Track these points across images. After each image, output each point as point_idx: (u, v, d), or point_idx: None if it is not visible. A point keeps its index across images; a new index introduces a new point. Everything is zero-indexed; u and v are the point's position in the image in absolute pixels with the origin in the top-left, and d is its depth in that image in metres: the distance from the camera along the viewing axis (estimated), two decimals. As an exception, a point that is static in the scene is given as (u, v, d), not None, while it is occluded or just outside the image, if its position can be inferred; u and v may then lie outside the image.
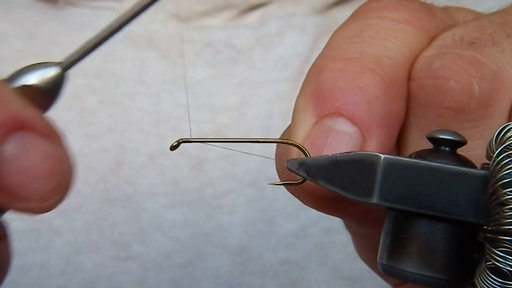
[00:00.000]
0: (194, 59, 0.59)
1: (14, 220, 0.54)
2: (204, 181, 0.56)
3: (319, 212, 0.57)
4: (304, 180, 0.35)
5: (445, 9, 0.40)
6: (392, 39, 0.36)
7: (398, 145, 0.37)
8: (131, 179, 0.56)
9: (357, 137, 0.34)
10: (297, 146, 0.35)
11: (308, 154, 0.35)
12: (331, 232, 0.56)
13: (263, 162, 0.56)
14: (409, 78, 0.36)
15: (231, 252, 0.55)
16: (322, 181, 0.34)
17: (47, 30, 0.62)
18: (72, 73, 0.59)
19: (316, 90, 0.35)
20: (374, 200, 0.33)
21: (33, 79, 0.29)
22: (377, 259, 0.35)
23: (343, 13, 0.60)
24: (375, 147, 0.34)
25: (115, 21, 0.31)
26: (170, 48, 0.59)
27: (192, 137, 0.36)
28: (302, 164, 0.34)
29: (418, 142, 0.36)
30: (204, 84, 0.58)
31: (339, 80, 0.35)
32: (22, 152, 0.28)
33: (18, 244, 0.54)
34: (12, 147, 0.28)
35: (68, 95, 0.58)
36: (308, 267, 0.55)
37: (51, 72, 0.30)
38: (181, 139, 0.36)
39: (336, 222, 0.56)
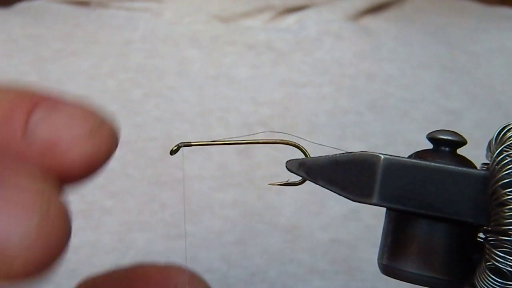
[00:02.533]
0: (236, 60, 0.61)
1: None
2: (252, 165, 0.57)
3: None
4: (304, 181, 0.35)
5: None
6: None
7: None
8: (180, 164, 0.57)
9: None
10: (297, 146, 0.35)
11: (308, 155, 0.35)
12: (382, 216, 0.57)
13: (310, 150, 0.58)
14: None
15: (282, 230, 0.56)
16: (322, 181, 0.34)
17: (84, 32, 0.64)
18: (114, 69, 0.60)
19: None
20: (374, 200, 0.33)
21: None
22: (377, 259, 0.35)
23: (375, 21, 0.64)
24: None
25: None
26: (213, 47, 0.61)
27: (194, 141, 0.36)
28: (302, 165, 0.34)
29: None
30: (247, 81, 0.60)
31: None
32: None
33: None
34: None
35: (112, 88, 0.60)
36: (359, 247, 0.56)
37: None
38: (181, 143, 0.36)
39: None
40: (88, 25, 0.64)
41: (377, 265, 0.34)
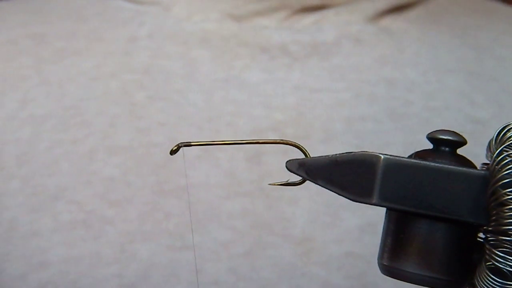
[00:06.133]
0: (249, 63, 0.58)
1: (61, 211, 0.54)
2: (262, 172, 0.55)
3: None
4: (304, 181, 0.35)
5: None
6: None
7: None
8: (184, 170, 0.55)
9: None
10: (296, 146, 0.35)
11: (308, 155, 0.35)
12: None
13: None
14: None
15: (294, 242, 0.53)
16: (322, 182, 0.34)
17: (88, 27, 0.61)
18: (118, 69, 0.58)
19: None
20: (374, 200, 0.33)
21: None
22: (377, 259, 0.35)
23: (396, 22, 0.61)
24: None
25: None
26: (224, 48, 0.59)
27: (194, 141, 0.36)
28: (302, 165, 0.34)
29: None
30: (259, 85, 0.58)
31: None
32: None
33: (67, 235, 0.54)
34: None
35: (115, 90, 0.58)
36: (376, 261, 0.54)
37: None
38: (181, 143, 0.35)
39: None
40: (93, 19, 0.62)
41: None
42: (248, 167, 0.55)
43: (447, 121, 0.57)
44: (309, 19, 0.60)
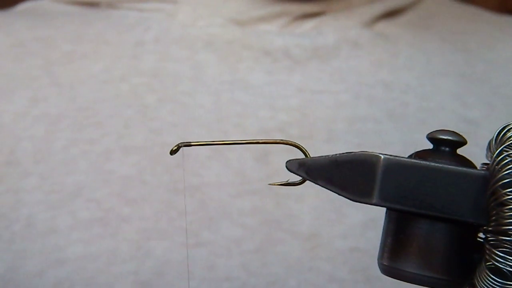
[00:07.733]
0: (252, 65, 0.60)
1: (80, 209, 0.55)
2: (270, 171, 0.57)
3: None
4: (304, 181, 0.35)
5: None
6: None
7: None
8: (197, 171, 0.56)
9: None
10: (297, 146, 0.35)
11: (308, 155, 0.35)
12: None
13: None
14: None
15: (301, 238, 0.55)
16: (322, 182, 0.34)
17: (94, 31, 0.63)
18: (127, 72, 0.59)
19: None
20: (374, 200, 0.33)
21: None
22: (377, 259, 0.35)
23: (390, 27, 0.64)
24: None
25: None
26: (229, 51, 0.60)
27: (194, 142, 0.36)
28: (302, 165, 0.34)
29: None
30: (264, 87, 0.60)
31: None
32: None
33: (84, 232, 0.55)
34: None
35: (127, 93, 0.60)
36: None
37: None
38: (181, 143, 0.36)
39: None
40: (98, 24, 0.63)
41: None
42: (256, 166, 0.57)
43: (442, 121, 0.59)
44: (309, 24, 0.62)
